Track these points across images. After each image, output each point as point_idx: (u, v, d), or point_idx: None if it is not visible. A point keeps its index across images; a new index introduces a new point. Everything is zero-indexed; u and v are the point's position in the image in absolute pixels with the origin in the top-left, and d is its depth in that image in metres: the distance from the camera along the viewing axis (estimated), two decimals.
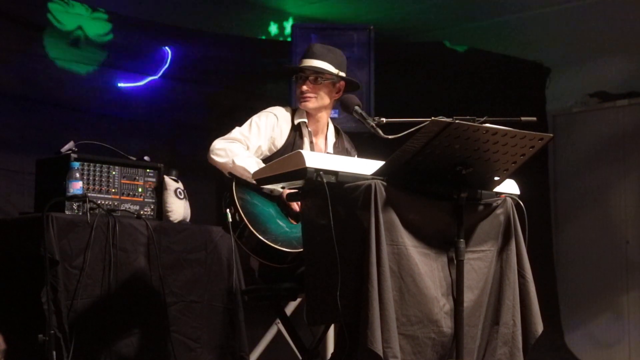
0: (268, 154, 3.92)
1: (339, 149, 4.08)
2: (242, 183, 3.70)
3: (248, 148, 3.84)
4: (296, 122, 3.97)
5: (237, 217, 3.62)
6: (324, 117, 4.04)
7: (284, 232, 3.66)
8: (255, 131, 3.89)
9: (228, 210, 3.63)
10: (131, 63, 5.85)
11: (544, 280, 6.39)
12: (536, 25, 7.27)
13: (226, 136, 3.88)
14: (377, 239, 3.03)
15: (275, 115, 3.96)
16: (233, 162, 3.75)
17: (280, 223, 3.71)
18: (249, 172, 3.66)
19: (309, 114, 4.01)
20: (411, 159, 3.11)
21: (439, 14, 7.18)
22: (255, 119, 3.93)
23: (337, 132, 4.15)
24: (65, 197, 4.02)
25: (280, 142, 3.92)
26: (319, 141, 4.05)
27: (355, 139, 4.28)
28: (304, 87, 3.94)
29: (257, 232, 3.58)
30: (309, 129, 3.99)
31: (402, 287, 3.09)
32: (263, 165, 3.69)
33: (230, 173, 3.77)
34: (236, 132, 3.89)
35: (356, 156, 4.03)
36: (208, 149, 3.84)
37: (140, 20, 5.97)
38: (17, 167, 5.14)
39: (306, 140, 3.97)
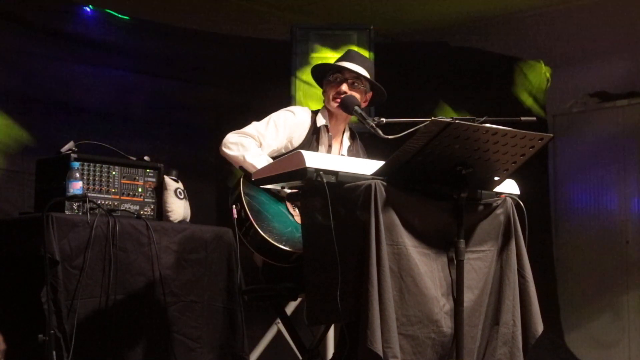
0: (284, 151, 3.87)
1: (352, 152, 4.05)
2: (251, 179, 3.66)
3: (261, 145, 3.80)
4: (318, 124, 3.94)
5: (243, 214, 3.59)
6: (345, 122, 4.02)
7: (289, 231, 3.64)
8: (272, 129, 3.84)
9: (234, 206, 3.62)
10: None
11: (544, 280, 6.39)
12: (537, 24, 7.27)
13: (241, 130, 3.83)
14: (377, 239, 3.03)
15: (295, 114, 3.92)
16: (244, 157, 3.72)
17: (287, 222, 3.69)
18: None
19: (330, 118, 3.97)
20: (411, 159, 3.11)
21: (439, 14, 7.17)
22: (274, 117, 3.89)
23: (353, 135, 4.11)
24: (65, 197, 4.02)
25: (297, 141, 3.88)
26: (335, 145, 4.01)
27: None
28: (343, 88, 3.89)
29: (261, 230, 3.56)
30: (329, 133, 3.96)
31: (402, 287, 3.09)
32: None
33: (241, 167, 3.74)
34: (252, 127, 3.85)
35: None
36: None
37: (138, 20, 5.97)
38: (17, 167, 5.14)
39: (323, 144, 3.94)
